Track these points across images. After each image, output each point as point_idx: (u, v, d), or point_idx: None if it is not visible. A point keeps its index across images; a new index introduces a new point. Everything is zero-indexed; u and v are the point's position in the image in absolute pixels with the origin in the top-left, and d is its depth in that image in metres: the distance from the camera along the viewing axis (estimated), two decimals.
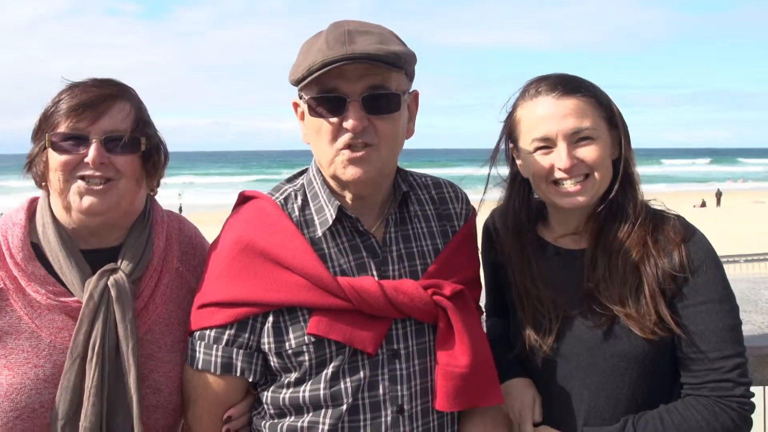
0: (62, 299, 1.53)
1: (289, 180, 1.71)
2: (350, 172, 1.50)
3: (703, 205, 34.60)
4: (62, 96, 1.58)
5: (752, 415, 1.55)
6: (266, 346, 1.53)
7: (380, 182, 1.59)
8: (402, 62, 1.50)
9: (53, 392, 1.48)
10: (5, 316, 1.52)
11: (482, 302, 1.86)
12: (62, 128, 1.55)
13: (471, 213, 1.77)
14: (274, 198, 1.62)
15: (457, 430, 1.62)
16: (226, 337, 1.54)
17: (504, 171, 1.82)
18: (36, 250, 1.57)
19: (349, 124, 1.47)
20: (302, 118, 1.61)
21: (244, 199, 1.68)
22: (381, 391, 1.52)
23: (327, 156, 1.52)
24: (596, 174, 1.62)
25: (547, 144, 1.62)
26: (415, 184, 1.72)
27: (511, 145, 1.75)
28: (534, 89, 1.66)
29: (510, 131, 1.74)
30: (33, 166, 1.61)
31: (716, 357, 1.53)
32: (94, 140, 1.55)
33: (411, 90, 1.61)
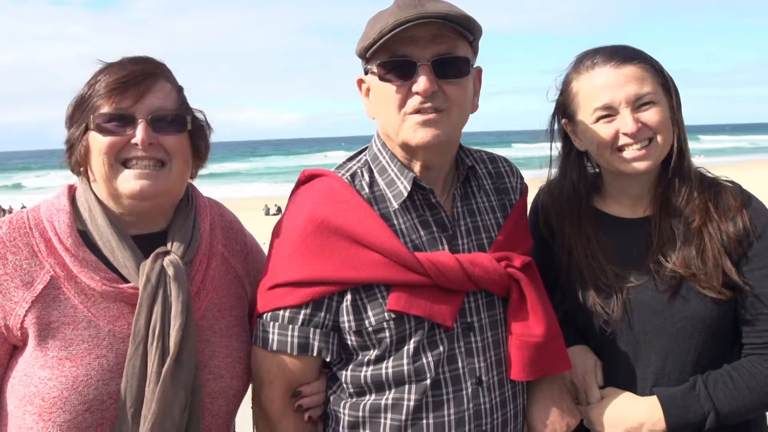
0: (116, 285, 1.47)
1: (351, 158, 1.70)
2: (420, 135, 1.49)
3: None
4: (99, 77, 1.51)
5: None
6: (345, 325, 1.52)
7: (447, 151, 1.60)
8: (472, 27, 1.51)
9: (119, 382, 1.43)
10: (60, 306, 1.45)
11: None
12: (105, 109, 1.49)
13: (525, 187, 1.79)
14: (340, 175, 1.61)
15: (526, 400, 1.65)
16: (301, 316, 1.52)
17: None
18: (83, 237, 1.51)
19: (419, 86, 1.46)
20: (367, 94, 1.60)
21: (306, 177, 1.66)
22: (459, 364, 1.53)
23: (395, 122, 1.51)
24: (659, 137, 1.66)
25: (610, 112, 1.65)
26: (473, 158, 1.73)
27: (564, 120, 1.78)
28: (589, 61, 1.70)
29: (564, 107, 1.76)
30: (73, 153, 1.54)
31: None
32: (140, 120, 1.49)
33: (475, 66, 1.62)
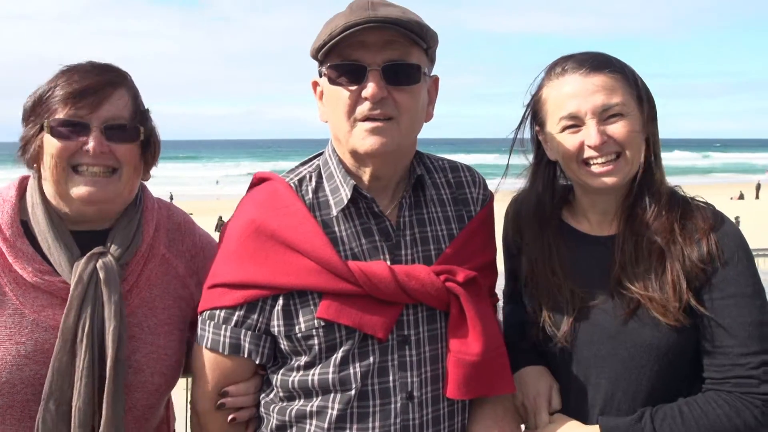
0: (47, 278, 1.53)
1: (304, 162, 1.70)
2: (369, 143, 1.47)
3: (741, 197, 33.56)
4: (59, 81, 1.56)
5: None
6: (276, 329, 1.52)
7: (398, 160, 1.57)
8: (424, 34, 1.47)
9: (34, 369, 1.50)
10: None
11: (500, 288, 1.82)
12: (61, 114, 1.53)
13: (488, 198, 1.73)
14: (287, 180, 1.61)
15: (466, 419, 1.60)
16: (235, 318, 1.53)
17: (523, 160, 1.78)
18: (26, 228, 1.57)
19: (368, 91, 1.45)
20: (321, 97, 1.59)
21: (258, 180, 1.67)
22: (390, 377, 1.50)
23: (344, 128, 1.50)
24: (627, 152, 1.57)
25: (576, 122, 1.58)
26: (431, 167, 1.69)
27: (536, 128, 1.71)
28: (560, 68, 1.62)
29: (535, 113, 1.69)
30: (27, 150, 1.59)
31: (742, 352, 1.47)
32: (94, 128, 1.54)
33: (431, 74, 1.58)
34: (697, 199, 1.65)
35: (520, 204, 1.79)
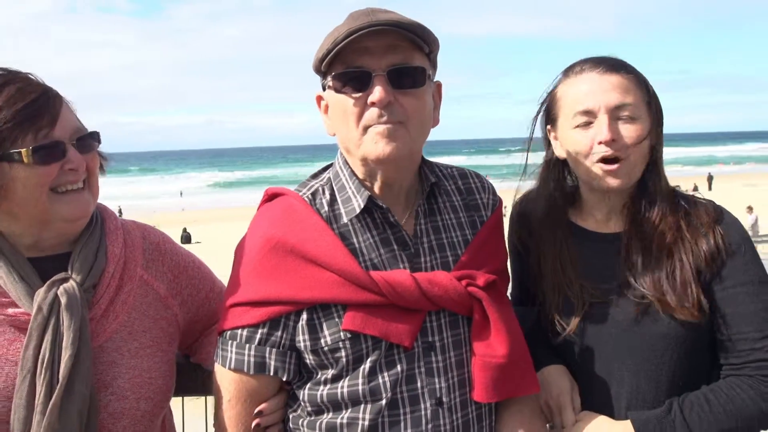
0: (11, 311, 1.46)
1: (315, 176, 1.69)
2: (380, 148, 1.47)
3: (695, 189, 34.68)
4: None
5: None
6: (301, 344, 1.51)
7: (408, 166, 1.57)
8: (426, 36, 1.49)
9: (7, 405, 1.42)
10: None
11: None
12: (32, 140, 1.43)
13: (498, 203, 1.75)
14: (301, 194, 1.60)
15: (494, 421, 1.61)
16: (258, 336, 1.51)
17: (520, 160, 1.82)
18: None
19: (375, 96, 1.45)
20: (326, 111, 1.59)
21: (270, 196, 1.66)
22: (419, 384, 1.50)
23: (354, 137, 1.50)
24: (632, 156, 1.61)
25: (589, 118, 1.62)
26: (441, 174, 1.70)
27: (548, 127, 1.76)
28: (578, 68, 1.69)
29: (548, 111, 1.75)
30: None
31: (759, 337, 1.53)
32: (68, 144, 1.49)
33: (434, 80, 1.59)
34: (696, 195, 1.72)
35: (528, 203, 1.83)
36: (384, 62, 1.46)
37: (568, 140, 1.67)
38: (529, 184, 1.85)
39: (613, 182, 1.62)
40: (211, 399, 1.68)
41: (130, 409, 1.53)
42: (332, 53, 1.45)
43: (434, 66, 1.58)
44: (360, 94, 1.47)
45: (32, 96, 1.44)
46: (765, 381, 1.52)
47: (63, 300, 1.46)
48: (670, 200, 1.65)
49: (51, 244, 1.56)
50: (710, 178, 38.55)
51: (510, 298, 1.90)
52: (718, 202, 1.70)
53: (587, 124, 1.62)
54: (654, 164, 1.67)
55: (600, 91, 1.61)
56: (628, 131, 1.60)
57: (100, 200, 1.67)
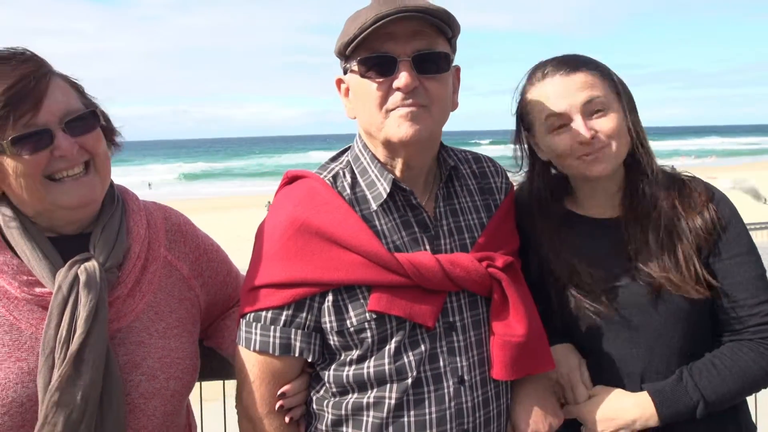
0: (36, 290, 1.45)
1: (333, 159, 1.70)
2: (404, 130, 1.49)
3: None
4: None
5: None
6: (327, 325, 1.53)
7: (429, 148, 1.60)
8: (451, 22, 1.51)
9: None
10: None
11: None
12: (14, 130, 1.38)
13: (510, 187, 1.79)
14: (322, 176, 1.61)
15: (510, 399, 1.66)
16: (283, 317, 1.53)
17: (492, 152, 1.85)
18: (7, 241, 1.48)
19: (400, 82, 1.46)
20: (346, 94, 1.60)
21: (290, 179, 1.67)
22: (441, 363, 1.54)
23: (378, 120, 1.51)
24: (613, 144, 1.67)
25: (563, 121, 1.66)
26: (457, 158, 1.73)
27: (525, 133, 1.79)
28: (540, 72, 1.72)
29: (522, 118, 1.78)
30: None
31: (754, 303, 1.64)
32: (56, 129, 1.42)
33: (454, 64, 1.62)
34: (684, 173, 1.79)
35: (523, 203, 1.84)
36: (409, 48, 1.47)
37: (547, 144, 1.71)
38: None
39: (597, 169, 1.67)
40: (229, 383, 1.69)
41: (161, 388, 1.54)
42: (359, 38, 1.46)
43: (454, 50, 1.60)
44: (384, 78, 1.48)
45: (11, 81, 1.38)
46: (763, 343, 1.62)
47: (82, 278, 1.44)
48: (662, 181, 1.72)
49: (67, 227, 1.54)
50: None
51: None
52: None
53: (561, 127, 1.66)
54: (641, 146, 1.73)
55: (567, 93, 1.65)
56: (604, 123, 1.65)
57: None
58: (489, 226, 1.66)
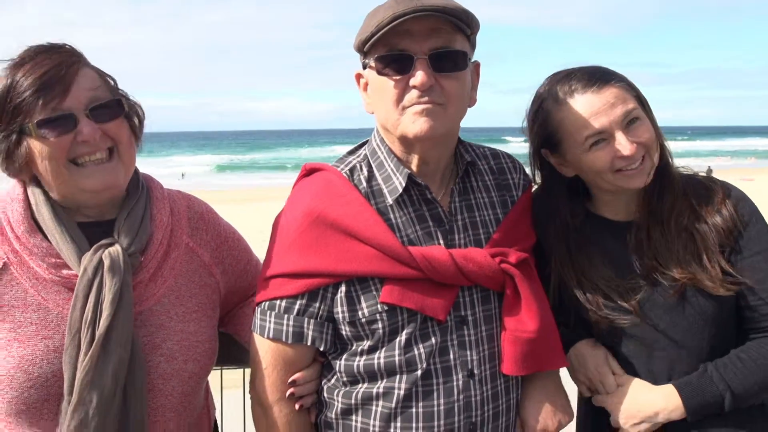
0: (64, 272, 1.52)
1: (351, 152, 1.73)
2: (419, 126, 1.50)
3: (710, 171, 34.84)
4: (17, 77, 1.47)
5: None
6: (339, 315, 1.56)
7: (445, 144, 1.61)
8: (469, 20, 1.52)
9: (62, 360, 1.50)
10: (11, 290, 1.52)
11: None
12: (41, 114, 1.46)
13: (528, 183, 1.79)
14: (339, 169, 1.64)
15: (520, 394, 1.67)
16: (297, 306, 1.56)
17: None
18: (38, 224, 1.55)
19: (416, 80, 1.48)
20: (365, 88, 1.62)
21: (308, 171, 1.70)
22: (451, 356, 1.56)
23: (394, 116, 1.53)
24: (652, 152, 1.67)
25: (603, 137, 1.64)
26: (474, 154, 1.74)
27: (545, 151, 1.76)
28: (566, 87, 1.68)
29: (547, 137, 1.72)
30: (13, 161, 1.52)
31: None
32: (80, 115, 1.48)
33: (473, 60, 1.63)
34: (699, 174, 1.78)
35: (541, 225, 1.80)
36: (426, 46, 1.49)
37: (585, 162, 1.67)
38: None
39: (639, 182, 1.67)
40: (248, 371, 1.73)
41: (179, 370, 1.59)
42: (376, 36, 1.48)
43: (473, 47, 1.61)
44: (401, 76, 1.50)
45: (44, 68, 1.46)
46: None
47: (106, 263, 1.50)
48: (680, 184, 1.72)
49: (93, 212, 1.61)
50: (709, 172, 38.83)
51: None
52: None
53: (599, 142, 1.64)
54: (660, 150, 1.72)
55: (604, 109, 1.62)
56: (641, 133, 1.64)
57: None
58: (504, 222, 1.67)
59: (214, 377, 2.12)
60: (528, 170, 1.82)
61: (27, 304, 1.52)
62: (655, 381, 1.68)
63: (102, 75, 1.59)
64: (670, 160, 1.74)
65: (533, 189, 1.83)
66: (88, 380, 1.45)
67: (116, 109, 1.56)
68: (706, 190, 1.71)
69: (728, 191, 1.70)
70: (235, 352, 1.82)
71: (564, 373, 1.76)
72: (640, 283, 1.68)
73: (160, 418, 1.59)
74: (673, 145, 1.81)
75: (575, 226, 1.77)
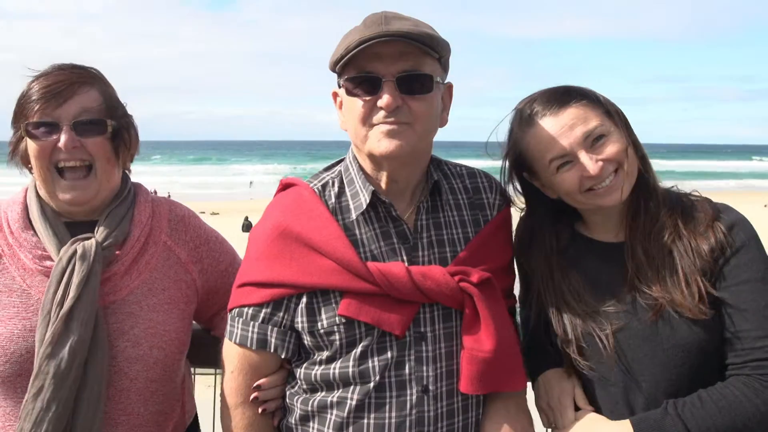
0: (45, 263, 1.72)
1: (327, 168, 1.80)
2: (384, 145, 1.56)
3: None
4: (32, 85, 1.71)
5: None
6: (300, 325, 1.62)
7: (413, 163, 1.65)
8: (435, 45, 1.55)
9: None
10: (3, 277, 1.73)
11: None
12: (35, 117, 1.69)
13: (505, 204, 1.80)
14: (312, 185, 1.71)
15: (480, 414, 1.67)
16: (262, 315, 1.64)
17: None
18: (31, 222, 1.77)
19: (383, 101, 1.53)
20: (341, 107, 1.68)
21: (284, 186, 1.78)
22: (407, 370, 1.59)
23: (362, 134, 1.59)
24: (625, 166, 1.63)
25: (567, 159, 1.64)
26: (449, 173, 1.77)
27: (525, 174, 1.76)
28: (528, 112, 1.68)
29: (520, 163, 1.74)
30: (16, 155, 1.79)
31: (759, 335, 1.53)
32: (64, 125, 1.68)
33: (446, 82, 1.66)
34: (692, 194, 1.72)
35: (524, 239, 1.81)
36: (394, 68, 1.54)
37: (558, 183, 1.67)
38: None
39: (613, 199, 1.64)
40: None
41: (144, 355, 1.74)
42: (345, 58, 1.54)
43: (445, 69, 1.65)
44: (370, 97, 1.56)
45: (50, 83, 1.68)
46: (760, 379, 1.51)
47: (79, 251, 1.69)
48: (664, 200, 1.67)
49: (78, 214, 1.79)
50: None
51: (518, 298, 1.93)
52: None
53: (565, 164, 1.63)
54: (643, 164, 1.68)
55: (563, 133, 1.61)
56: (608, 150, 1.61)
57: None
58: (473, 242, 1.69)
59: (206, 379, 2.22)
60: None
61: (12, 290, 1.72)
62: (633, 413, 1.62)
63: (108, 98, 1.77)
64: (652, 176, 1.69)
65: (522, 213, 1.83)
66: (48, 353, 1.61)
67: (99, 127, 1.74)
68: (694, 210, 1.65)
69: (719, 214, 1.63)
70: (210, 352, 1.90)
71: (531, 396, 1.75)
72: (619, 309, 1.64)
73: (125, 400, 1.74)
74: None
75: (559, 249, 1.76)
